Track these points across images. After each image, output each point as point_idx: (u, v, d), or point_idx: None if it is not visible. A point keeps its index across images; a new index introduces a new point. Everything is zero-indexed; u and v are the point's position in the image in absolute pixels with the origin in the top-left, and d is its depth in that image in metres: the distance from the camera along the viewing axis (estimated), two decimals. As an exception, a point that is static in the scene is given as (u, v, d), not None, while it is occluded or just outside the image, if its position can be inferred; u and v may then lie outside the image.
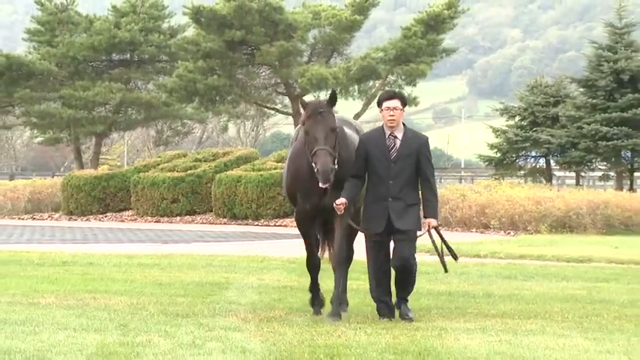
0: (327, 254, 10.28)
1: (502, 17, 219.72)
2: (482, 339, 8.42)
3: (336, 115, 9.55)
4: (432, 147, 9.79)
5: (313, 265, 9.82)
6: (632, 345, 8.25)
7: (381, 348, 7.88)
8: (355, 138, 9.76)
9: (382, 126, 9.48)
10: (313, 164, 9.04)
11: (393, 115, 9.34)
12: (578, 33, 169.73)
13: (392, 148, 9.33)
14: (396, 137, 9.35)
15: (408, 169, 9.30)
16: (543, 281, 13.60)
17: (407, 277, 9.40)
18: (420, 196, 9.47)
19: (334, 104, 9.30)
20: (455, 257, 9.61)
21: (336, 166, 9.06)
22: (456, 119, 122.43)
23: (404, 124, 9.48)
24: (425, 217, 9.44)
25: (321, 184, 9.02)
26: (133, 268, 15.19)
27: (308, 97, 31.15)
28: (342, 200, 9.16)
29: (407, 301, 9.49)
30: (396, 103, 9.38)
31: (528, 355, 7.60)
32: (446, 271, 9.79)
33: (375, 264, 9.44)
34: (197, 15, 38.48)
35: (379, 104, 9.48)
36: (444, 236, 9.49)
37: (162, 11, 46.57)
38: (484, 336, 8.59)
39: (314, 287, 9.89)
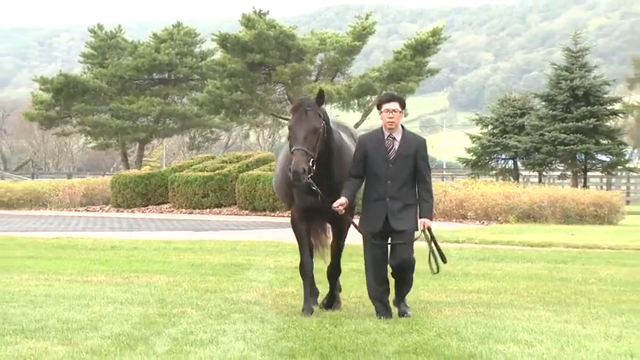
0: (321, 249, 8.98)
1: (477, 43, 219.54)
2: (461, 311, 8.41)
3: (333, 119, 8.51)
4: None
5: (306, 273, 8.30)
6: (585, 316, 8.23)
7: (376, 318, 7.86)
8: (350, 145, 8.54)
9: (381, 127, 8.15)
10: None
11: (392, 117, 8.01)
12: (541, 56, 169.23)
13: (390, 150, 8.01)
14: (394, 139, 8.03)
15: (405, 170, 7.97)
16: (512, 263, 13.55)
17: (405, 276, 8.12)
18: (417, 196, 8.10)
19: (321, 103, 8.06)
20: (444, 260, 8.15)
21: (313, 166, 7.73)
22: (439, 128, 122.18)
23: (402, 127, 8.17)
24: (420, 217, 8.04)
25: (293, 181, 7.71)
26: (170, 251, 15.16)
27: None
28: (342, 201, 7.90)
29: (405, 299, 8.26)
30: (395, 105, 8.05)
31: (499, 324, 7.57)
32: (437, 271, 8.11)
33: (373, 264, 8.06)
34: (224, 41, 38.63)
35: (379, 107, 8.17)
36: (435, 239, 8.15)
37: (194, 38, 46.71)
38: (462, 308, 8.58)
39: (306, 290, 8.30)
